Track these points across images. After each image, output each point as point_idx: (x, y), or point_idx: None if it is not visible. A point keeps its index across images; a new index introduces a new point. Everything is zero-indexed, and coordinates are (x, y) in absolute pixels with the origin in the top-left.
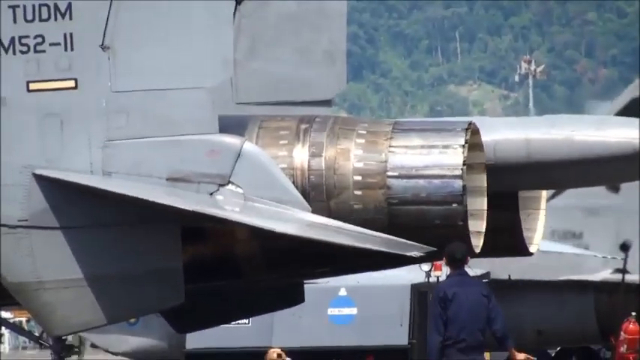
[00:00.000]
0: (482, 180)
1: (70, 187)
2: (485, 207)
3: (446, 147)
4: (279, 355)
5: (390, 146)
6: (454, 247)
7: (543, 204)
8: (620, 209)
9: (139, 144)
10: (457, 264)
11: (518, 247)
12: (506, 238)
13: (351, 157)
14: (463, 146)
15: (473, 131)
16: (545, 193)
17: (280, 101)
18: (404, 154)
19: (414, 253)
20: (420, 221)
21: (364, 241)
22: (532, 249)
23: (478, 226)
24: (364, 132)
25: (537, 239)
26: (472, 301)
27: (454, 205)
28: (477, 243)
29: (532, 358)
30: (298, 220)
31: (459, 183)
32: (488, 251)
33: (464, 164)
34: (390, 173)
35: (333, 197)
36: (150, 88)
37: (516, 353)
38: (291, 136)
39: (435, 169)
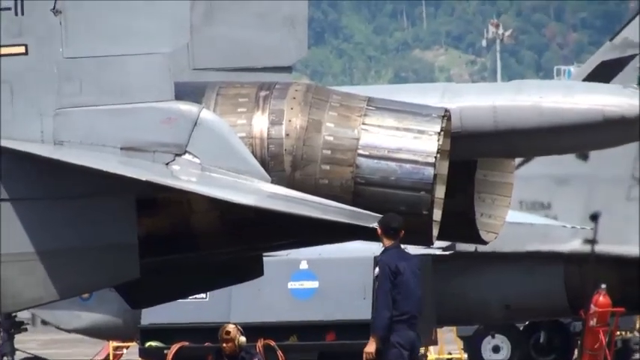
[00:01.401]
0: (444, 167)
1: (19, 156)
2: (443, 195)
3: (421, 132)
4: (227, 332)
5: (363, 123)
6: (390, 218)
7: (509, 191)
8: (589, 178)
9: (92, 112)
10: (394, 235)
11: (471, 235)
12: (459, 225)
13: (323, 129)
14: (439, 134)
15: (447, 118)
16: (514, 181)
17: (239, 67)
18: (377, 133)
19: (376, 225)
20: (385, 205)
21: (326, 213)
22: (489, 238)
23: (435, 215)
24: (337, 105)
25: (497, 228)
26: (415, 275)
27: (422, 192)
28: (435, 233)
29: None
30: (257, 191)
31: (429, 171)
32: (440, 236)
33: (437, 152)
34: (360, 151)
35: (299, 169)
36: (103, 54)
37: None
38: (250, 103)
39: (407, 154)
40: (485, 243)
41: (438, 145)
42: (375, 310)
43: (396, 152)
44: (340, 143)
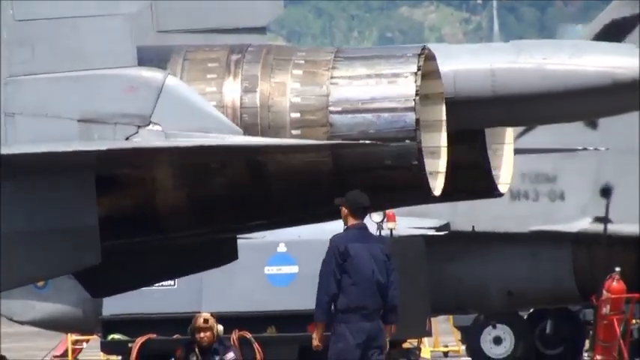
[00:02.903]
0: (440, 112)
1: None
2: (445, 143)
3: (395, 75)
4: (205, 321)
5: (331, 77)
6: (357, 195)
7: (510, 137)
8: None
9: (46, 80)
10: (361, 214)
11: (486, 187)
12: (471, 176)
13: (287, 91)
14: (415, 74)
15: (427, 57)
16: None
17: (207, 29)
18: (348, 85)
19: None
20: (369, 162)
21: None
22: (502, 189)
23: (437, 165)
24: (302, 62)
25: (507, 178)
26: (375, 260)
27: (406, 141)
28: (437, 184)
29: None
30: (229, 140)
31: (411, 116)
32: (451, 193)
33: (416, 94)
34: (332, 108)
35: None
36: (58, 15)
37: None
38: (220, 68)
39: (383, 102)
40: (501, 194)
41: (416, 86)
42: (317, 291)
43: (370, 102)
44: (309, 103)
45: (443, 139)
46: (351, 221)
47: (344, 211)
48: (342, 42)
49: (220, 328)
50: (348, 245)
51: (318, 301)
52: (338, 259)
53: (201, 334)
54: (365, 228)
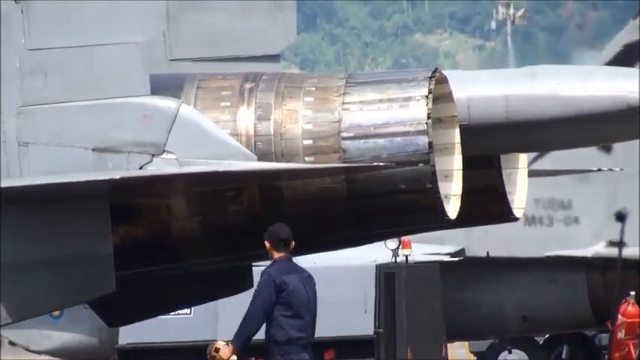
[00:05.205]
0: (453, 135)
1: None
2: (459, 166)
3: (407, 99)
4: (216, 350)
5: (343, 103)
6: (279, 227)
7: (524, 162)
8: (613, 172)
9: (60, 109)
10: (284, 247)
11: (502, 212)
12: (486, 201)
13: (299, 118)
14: (427, 97)
15: (439, 80)
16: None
17: (221, 57)
18: (359, 110)
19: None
20: (383, 186)
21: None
22: (517, 213)
23: (452, 188)
24: (313, 89)
25: (521, 202)
26: (308, 291)
27: (420, 165)
28: (453, 208)
29: None
30: (244, 165)
31: (423, 139)
32: (466, 219)
33: (428, 117)
34: (344, 134)
35: None
36: (70, 44)
37: None
38: (234, 97)
39: (395, 126)
40: (516, 219)
41: (428, 109)
42: (244, 319)
43: (383, 127)
44: (321, 130)
45: (457, 162)
46: (276, 255)
47: (267, 245)
48: (356, 69)
49: (234, 358)
50: (284, 278)
51: (243, 330)
52: (273, 293)
53: None
54: (291, 259)
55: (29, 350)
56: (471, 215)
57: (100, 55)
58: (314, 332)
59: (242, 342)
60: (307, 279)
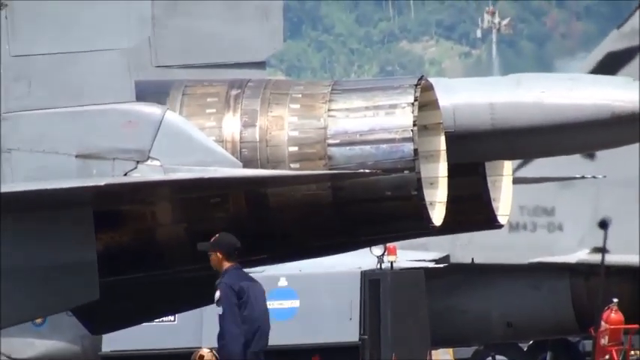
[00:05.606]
0: (439, 143)
1: None
2: (445, 173)
3: (393, 107)
4: (200, 357)
5: (329, 110)
6: (231, 237)
7: (508, 169)
8: (597, 180)
9: (43, 116)
10: (235, 255)
11: (486, 219)
12: (471, 208)
13: (285, 125)
14: (413, 104)
15: (424, 87)
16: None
17: (207, 63)
18: (345, 117)
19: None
20: (369, 193)
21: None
22: (501, 220)
23: (437, 195)
24: (299, 95)
25: (506, 209)
26: (261, 298)
27: (405, 172)
28: (438, 215)
29: None
30: (229, 172)
31: (409, 147)
32: (451, 225)
33: (414, 125)
34: (330, 141)
35: None
36: (55, 51)
37: None
38: (220, 103)
39: (381, 133)
40: (501, 225)
41: (414, 116)
42: (225, 335)
43: (369, 134)
44: (307, 136)
45: (442, 169)
46: (227, 264)
47: (217, 256)
48: (342, 76)
49: None
50: (242, 284)
51: (233, 341)
52: (234, 299)
53: None
54: (241, 268)
55: (11, 358)
56: (456, 222)
57: (84, 62)
58: (267, 339)
59: (239, 356)
60: (259, 288)
